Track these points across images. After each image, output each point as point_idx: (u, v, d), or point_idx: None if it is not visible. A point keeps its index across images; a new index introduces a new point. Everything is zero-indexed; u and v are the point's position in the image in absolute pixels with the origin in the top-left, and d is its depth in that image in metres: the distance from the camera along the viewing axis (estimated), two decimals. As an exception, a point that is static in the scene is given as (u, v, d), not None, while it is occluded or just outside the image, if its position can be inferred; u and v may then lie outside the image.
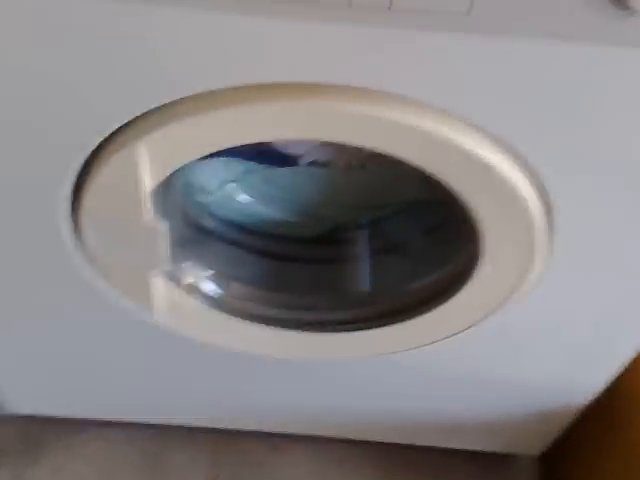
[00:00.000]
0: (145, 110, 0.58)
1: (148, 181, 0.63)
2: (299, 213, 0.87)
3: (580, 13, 0.52)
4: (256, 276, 0.86)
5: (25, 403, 1.09)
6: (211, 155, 0.73)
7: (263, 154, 0.80)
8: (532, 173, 0.65)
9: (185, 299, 0.81)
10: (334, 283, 0.89)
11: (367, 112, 0.59)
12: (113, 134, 0.60)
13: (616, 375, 0.99)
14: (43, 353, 0.97)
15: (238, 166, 0.82)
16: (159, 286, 0.77)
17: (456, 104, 0.60)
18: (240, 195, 0.85)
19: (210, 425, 1.14)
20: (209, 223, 0.84)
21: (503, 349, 0.91)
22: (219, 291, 0.82)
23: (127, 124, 0.60)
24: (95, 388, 1.05)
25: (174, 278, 0.79)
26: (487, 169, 0.63)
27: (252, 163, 0.82)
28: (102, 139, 0.61)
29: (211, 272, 0.82)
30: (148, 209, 0.66)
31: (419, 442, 1.15)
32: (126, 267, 0.74)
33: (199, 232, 0.84)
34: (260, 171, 0.82)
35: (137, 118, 0.59)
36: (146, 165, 0.61)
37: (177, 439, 1.20)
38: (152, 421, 1.14)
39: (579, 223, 0.71)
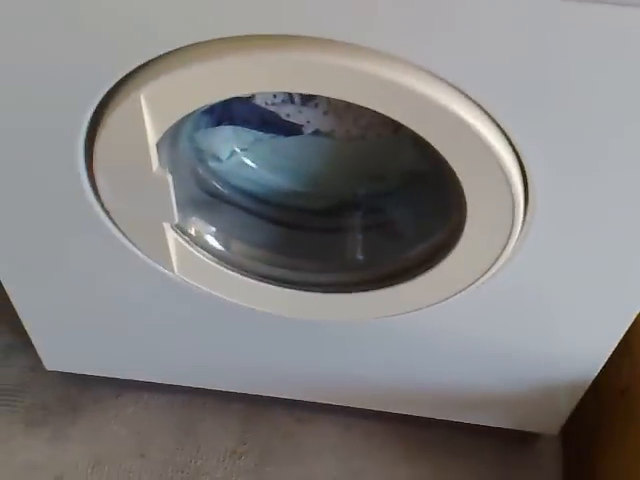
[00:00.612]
0: (144, 61, 0.66)
1: (152, 131, 0.71)
2: (304, 183, 0.93)
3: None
4: (262, 239, 0.93)
5: (63, 361, 1.18)
6: (220, 123, 0.81)
7: (269, 123, 0.87)
8: (512, 141, 0.69)
9: (196, 253, 0.88)
10: (333, 251, 0.95)
11: (347, 64, 0.64)
12: (118, 85, 0.68)
13: (621, 347, 1.01)
14: (77, 309, 1.06)
15: (247, 135, 0.89)
16: (171, 239, 0.85)
17: (435, 63, 0.64)
18: (249, 164, 0.92)
19: (240, 390, 1.20)
20: (220, 189, 0.91)
21: (501, 315, 0.94)
22: (225, 249, 0.89)
23: (130, 75, 0.67)
24: (129, 348, 1.13)
25: (186, 232, 0.86)
26: (464, 128, 0.68)
27: (260, 133, 0.89)
28: (108, 89, 0.68)
29: (220, 232, 0.90)
30: (155, 160, 0.74)
31: (436, 416, 1.19)
32: (139, 218, 0.82)
33: (211, 196, 0.91)
34: (267, 140, 0.89)
35: (138, 69, 0.67)
36: (148, 115, 0.69)
37: (211, 407, 1.27)
38: (185, 384, 1.21)
39: (556, 179, 0.74)
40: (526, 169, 0.72)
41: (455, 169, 0.71)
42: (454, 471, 1.23)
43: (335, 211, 0.96)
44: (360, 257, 0.93)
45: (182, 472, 1.22)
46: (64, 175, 0.80)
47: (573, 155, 0.72)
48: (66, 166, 0.79)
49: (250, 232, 0.93)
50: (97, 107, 0.71)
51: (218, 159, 0.90)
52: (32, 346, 1.19)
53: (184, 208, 0.84)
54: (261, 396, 1.22)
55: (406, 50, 0.64)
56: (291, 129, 0.87)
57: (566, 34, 0.61)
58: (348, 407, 1.21)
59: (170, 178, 0.76)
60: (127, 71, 0.67)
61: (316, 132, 0.88)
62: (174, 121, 0.70)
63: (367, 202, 0.95)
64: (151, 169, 0.75)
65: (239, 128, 0.88)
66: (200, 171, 0.90)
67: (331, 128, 0.87)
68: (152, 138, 0.72)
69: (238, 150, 0.91)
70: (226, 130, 0.88)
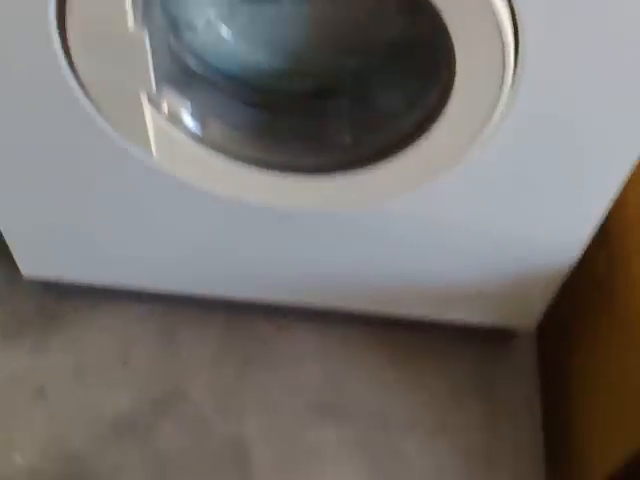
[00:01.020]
0: None
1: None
2: (285, 60, 0.91)
3: None
4: (241, 121, 0.91)
5: (41, 267, 1.17)
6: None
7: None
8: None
9: (174, 134, 0.87)
10: (317, 132, 0.93)
11: None
12: None
13: (599, 240, 1.02)
14: (53, 207, 1.04)
15: (224, 3, 0.87)
16: (148, 114, 0.84)
17: None
18: (227, 36, 0.90)
19: (218, 294, 1.20)
20: (197, 65, 0.90)
21: (481, 199, 0.95)
22: (199, 127, 0.88)
23: None
24: (107, 251, 1.12)
25: (161, 110, 0.85)
26: None
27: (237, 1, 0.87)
28: None
29: (197, 111, 0.88)
30: (130, 16, 0.73)
31: (413, 313, 1.19)
32: (116, 90, 0.81)
33: (187, 74, 0.90)
34: (245, 8, 0.87)
35: None
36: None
37: (191, 316, 1.27)
38: (165, 289, 1.20)
39: (546, 46, 0.74)
40: (517, 16, 0.71)
41: (444, 18, 0.70)
42: (435, 372, 1.25)
43: (319, 92, 0.94)
44: (346, 137, 0.92)
45: (165, 380, 1.22)
46: (37, 47, 0.78)
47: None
48: (38, 36, 0.77)
49: (229, 114, 0.92)
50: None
51: (193, 28, 0.88)
52: (6, 257, 1.18)
53: (159, 83, 0.82)
54: (241, 304, 1.23)
55: None
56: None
57: None
58: (328, 313, 1.22)
59: (147, 37, 0.75)
60: None
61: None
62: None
63: (351, 81, 0.93)
64: (127, 27, 0.74)
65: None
66: (175, 45, 0.87)
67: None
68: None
69: (213, 18, 0.89)
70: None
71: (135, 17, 0.73)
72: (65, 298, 1.26)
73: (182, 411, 1.18)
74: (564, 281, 1.09)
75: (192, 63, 0.89)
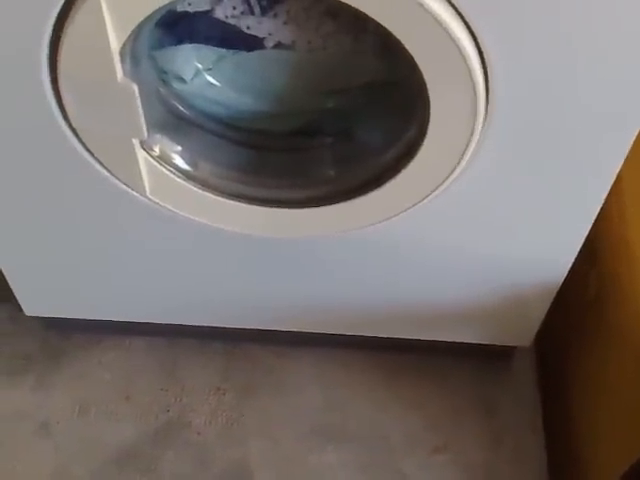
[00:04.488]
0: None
1: (114, 36, 0.72)
2: (270, 103, 0.94)
3: None
4: (229, 160, 0.95)
5: (42, 305, 1.19)
6: (181, 42, 0.83)
7: (230, 38, 0.88)
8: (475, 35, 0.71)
9: (167, 173, 0.90)
10: (302, 168, 0.97)
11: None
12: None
13: (589, 259, 1.03)
14: (51, 246, 1.07)
15: (209, 53, 0.90)
16: (141, 157, 0.86)
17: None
18: (214, 83, 0.93)
19: (218, 324, 1.22)
20: (185, 111, 0.93)
21: (465, 222, 0.97)
22: (192, 169, 0.91)
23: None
24: (107, 286, 1.14)
25: (153, 152, 0.88)
26: (431, 20, 0.69)
27: (222, 50, 0.90)
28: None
29: (187, 152, 0.91)
30: (119, 68, 0.75)
31: (410, 336, 1.21)
32: (107, 137, 0.83)
33: (176, 118, 0.92)
34: (230, 57, 0.90)
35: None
36: (109, 17, 0.70)
37: (192, 347, 1.30)
38: (164, 321, 1.22)
39: (515, 83, 0.77)
40: (486, 59, 0.74)
41: (418, 63, 0.73)
42: (434, 392, 1.26)
43: (303, 131, 0.97)
44: (329, 172, 0.95)
45: (167, 411, 1.24)
46: (29, 95, 0.81)
47: (532, 45, 0.74)
48: (31, 85, 0.80)
49: (217, 153, 0.95)
50: (57, 19, 0.72)
51: (182, 80, 0.91)
52: (9, 297, 1.20)
53: (150, 129, 0.85)
54: (241, 333, 1.24)
55: None
56: (253, 43, 0.89)
57: None
58: (326, 338, 1.24)
59: (136, 88, 0.77)
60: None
61: (278, 45, 0.89)
62: (136, 22, 0.72)
63: (333, 119, 0.97)
64: (116, 79, 0.76)
65: (201, 46, 0.89)
66: (164, 93, 0.91)
67: (292, 39, 0.88)
68: (115, 44, 0.73)
69: (202, 69, 0.92)
70: (188, 49, 0.89)
71: (124, 69, 0.75)
72: (67, 334, 1.28)
73: (185, 439, 1.20)
74: (559, 298, 1.11)
75: (181, 108, 0.92)
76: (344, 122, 0.97)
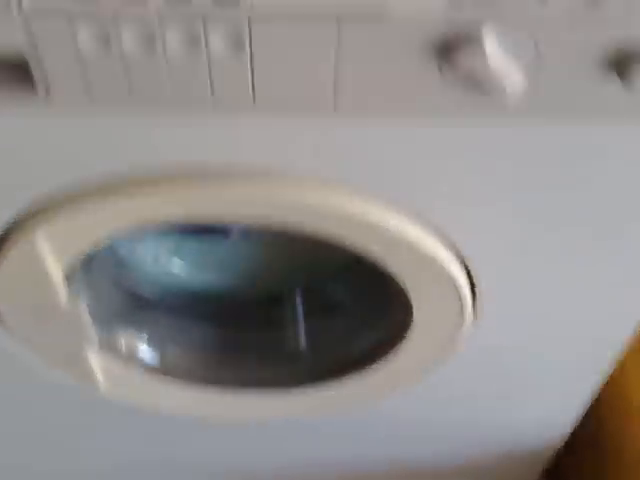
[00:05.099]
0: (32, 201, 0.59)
1: (55, 269, 0.64)
2: (238, 279, 0.87)
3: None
4: (197, 339, 0.86)
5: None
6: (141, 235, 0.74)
7: (192, 228, 0.80)
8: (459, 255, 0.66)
9: (126, 369, 0.81)
10: (274, 343, 0.89)
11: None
12: (10, 227, 0.61)
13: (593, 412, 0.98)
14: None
15: (170, 238, 0.83)
16: (96, 361, 0.78)
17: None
18: (177, 267, 0.86)
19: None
20: (147, 295, 0.85)
21: (457, 399, 0.91)
22: (157, 357, 0.82)
23: (23, 216, 0.60)
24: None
25: (113, 348, 0.79)
26: (415, 250, 0.63)
27: (184, 235, 0.82)
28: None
29: (153, 340, 0.83)
30: (63, 295, 0.67)
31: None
32: (57, 349, 0.75)
33: (137, 304, 0.84)
34: (194, 242, 0.83)
35: (30, 209, 0.60)
36: (48, 254, 0.62)
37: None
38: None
39: (501, 289, 0.71)
40: (473, 275, 0.68)
41: (402, 286, 0.66)
42: None
43: (274, 301, 0.90)
44: (303, 347, 0.87)
45: None
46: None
47: (519, 268, 0.68)
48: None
49: (185, 334, 0.87)
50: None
51: (142, 265, 0.83)
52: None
53: (109, 322, 0.77)
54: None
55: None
56: (217, 229, 0.81)
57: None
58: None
59: (83, 308, 0.69)
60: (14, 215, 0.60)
61: (245, 228, 0.81)
62: (80, 256, 0.63)
63: (307, 290, 0.89)
64: (59, 305, 0.67)
65: (162, 234, 0.81)
66: (124, 281, 0.83)
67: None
68: (56, 275, 0.65)
69: (163, 256, 0.84)
70: (149, 236, 0.81)
71: (72, 286, 0.67)
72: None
73: None
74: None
75: (140, 294, 0.84)
76: (320, 294, 0.89)
